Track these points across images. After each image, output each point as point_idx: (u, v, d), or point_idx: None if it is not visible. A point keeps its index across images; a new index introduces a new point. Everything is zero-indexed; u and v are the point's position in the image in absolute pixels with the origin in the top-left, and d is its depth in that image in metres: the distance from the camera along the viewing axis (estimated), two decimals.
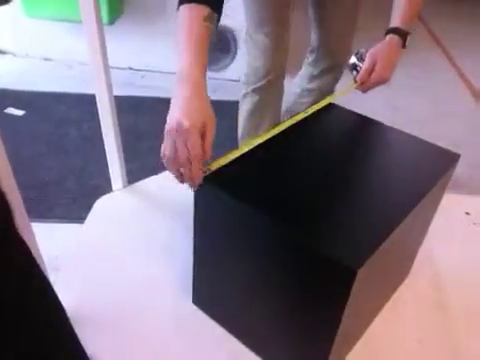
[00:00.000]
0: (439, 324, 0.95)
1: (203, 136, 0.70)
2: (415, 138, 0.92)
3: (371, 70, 1.01)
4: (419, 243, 0.99)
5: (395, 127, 0.95)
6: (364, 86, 1.02)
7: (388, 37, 1.02)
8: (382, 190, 0.77)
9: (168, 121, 0.73)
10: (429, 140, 0.91)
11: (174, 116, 0.71)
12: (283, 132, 0.89)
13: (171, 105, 0.73)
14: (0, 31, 2.58)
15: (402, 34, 1.02)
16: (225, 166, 0.77)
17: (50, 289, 0.52)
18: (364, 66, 1.02)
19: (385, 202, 0.74)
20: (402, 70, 2.58)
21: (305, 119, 0.94)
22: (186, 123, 0.69)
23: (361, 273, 0.60)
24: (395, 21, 1.03)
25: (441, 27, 3.28)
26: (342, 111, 1.00)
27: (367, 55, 1.02)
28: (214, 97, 2.24)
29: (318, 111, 0.98)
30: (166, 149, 0.71)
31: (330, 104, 1.01)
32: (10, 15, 2.46)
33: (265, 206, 0.70)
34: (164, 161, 0.73)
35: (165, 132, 0.72)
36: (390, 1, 1.05)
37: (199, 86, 0.74)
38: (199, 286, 0.90)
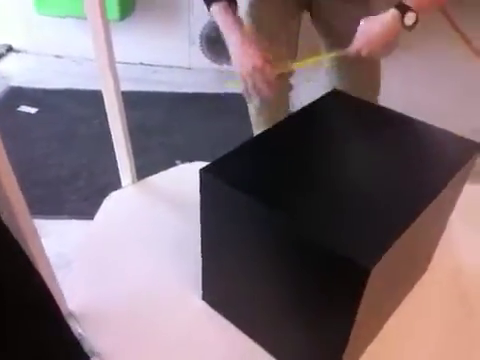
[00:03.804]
0: (460, 322, 0.91)
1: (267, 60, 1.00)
2: (433, 127, 0.87)
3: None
4: (438, 237, 0.95)
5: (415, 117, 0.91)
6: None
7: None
8: (397, 183, 0.73)
9: (236, 67, 1.05)
10: (453, 130, 0.86)
11: (238, 63, 1.03)
12: (293, 120, 0.87)
13: (231, 53, 1.05)
14: (12, 30, 2.60)
15: (402, 9, 0.95)
16: (232, 158, 0.75)
17: (44, 287, 0.51)
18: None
19: (400, 196, 0.70)
20: (421, 61, 2.52)
21: (315, 108, 0.91)
22: (244, 69, 1.01)
23: (375, 272, 0.57)
24: None
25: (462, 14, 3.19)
26: (352, 99, 0.96)
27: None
28: (226, 90, 2.24)
29: (328, 100, 0.95)
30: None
31: (339, 92, 0.98)
32: (21, 13, 2.48)
33: (274, 201, 0.67)
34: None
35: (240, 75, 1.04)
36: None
37: (244, 35, 1.04)
38: (208, 283, 0.88)
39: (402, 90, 2.24)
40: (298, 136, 0.84)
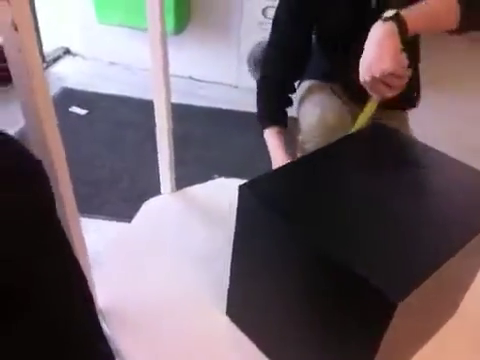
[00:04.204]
0: None
1: None
2: (476, 170, 0.87)
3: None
4: (471, 279, 0.93)
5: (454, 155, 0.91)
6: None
7: None
8: (433, 221, 0.73)
9: None
10: None
11: None
12: (333, 148, 0.88)
13: None
14: (71, 34, 2.74)
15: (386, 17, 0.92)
16: (273, 177, 0.78)
17: (85, 281, 0.54)
18: None
19: (436, 234, 0.70)
20: (456, 95, 2.48)
21: (356, 137, 0.92)
22: None
23: (402, 306, 0.58)
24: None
25: None
26: (395, 133, 0.97)
27: None
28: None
29: (371, 130, 0.96)
30: None
31: (382, 125, 0.99)
32: (81, 19, 2.61)
33: (307, 224, 0.69)
34: None
35: None
36: None
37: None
38: (233, 298, 0.89)
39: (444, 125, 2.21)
40: (337, 163, 0.85)
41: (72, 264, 0.52)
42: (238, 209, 0.76)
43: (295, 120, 1.34)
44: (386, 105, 1.15)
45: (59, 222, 0.49)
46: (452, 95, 2.39)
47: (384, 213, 0.74)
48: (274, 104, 1.31)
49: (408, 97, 1.33)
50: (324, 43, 1.31)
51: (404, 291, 0.58)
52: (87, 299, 0.54)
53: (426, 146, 0.93)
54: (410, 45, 0.97)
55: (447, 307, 0.94)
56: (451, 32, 1.00)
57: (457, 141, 2.16)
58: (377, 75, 0.91)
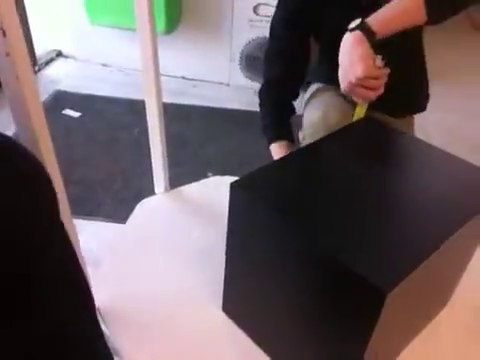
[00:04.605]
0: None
1: None
2: (465, 162, 0.88)
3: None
4: (462, 270, 0.95)
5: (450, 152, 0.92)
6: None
7: None
8: (423, 212, 0.75)
9: None
10: None
11: None
12: (326, 142, 0.89)
13: None
14: (63, 36, 2.74)
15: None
16: (264, 174, 0.78)
17: (85, 280, 0.54)
18: None
19: (425, 224, 0.71)
20: (457, 91, 2.49)
21: (349, 132, 0.93)
22: None
23: (391, 297, 0.59)
24: None
25: None
26: (386, 127, 0.98)
27: None
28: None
29: (363, 125, 0.97)
30: None
31: (374, 119, 1.00)
32: (73, 21, 2.61)
33: (297, 217, 0.70)
34: None
35: None
36: None
37: None
38: (229, 294, 0.90)
39: (438, 119, 2.22)
40: (329, 157, 0.86)
41: (73, 265, 0.52)
42: (230, 206, 0.77)
43: (299, 118, 1.34)
44: (395, 112, 1.16)
45: (61, 223, 0.49)
46: (449, 89, 2.41)
47: (374, 205, 0.75)
48: (278, 113, 1.30)
49: (417, 99, 1.35)
50: (323, 46, 1.32)
51: (393, 281, 0.59)
52: (87, 299, 0.54)
53: (419, 140, 0.95)
54: (396, 45, 1.00)
55: (439, 296, 0.95)
56: (425, 24, 1.02)
57: (453, 135, 2.18)
58: (353, 81, 0.96)
